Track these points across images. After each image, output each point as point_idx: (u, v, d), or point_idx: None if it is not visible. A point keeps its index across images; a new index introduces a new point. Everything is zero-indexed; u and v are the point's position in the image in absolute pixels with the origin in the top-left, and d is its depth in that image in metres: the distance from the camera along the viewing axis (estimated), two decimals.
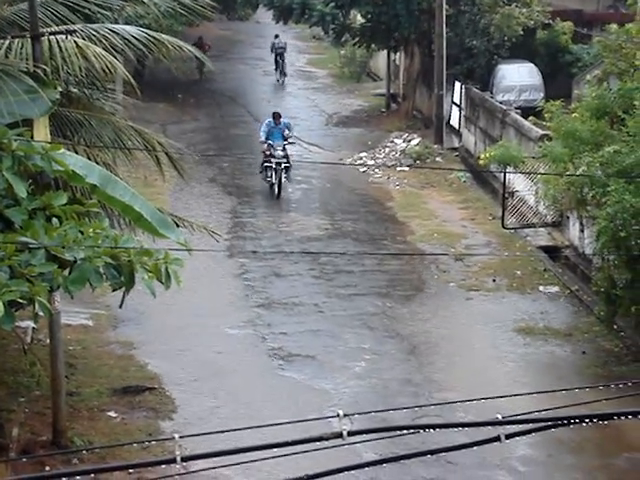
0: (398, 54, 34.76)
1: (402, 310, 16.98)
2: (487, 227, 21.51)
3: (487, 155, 20.23)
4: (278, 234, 21.11)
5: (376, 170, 26.43)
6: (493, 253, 19.73)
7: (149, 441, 11.84)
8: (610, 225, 13.98)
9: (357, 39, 33.26)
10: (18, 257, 7.25)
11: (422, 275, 18.70)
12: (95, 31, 12.15)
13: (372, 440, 4.99)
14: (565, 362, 15.07)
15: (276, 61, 40.63)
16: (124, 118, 14.12)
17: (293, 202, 23.39)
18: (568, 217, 19.47)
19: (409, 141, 28.58)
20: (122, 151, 13.08)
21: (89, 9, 13.17)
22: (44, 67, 10.91)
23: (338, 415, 4.68)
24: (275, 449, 4.58)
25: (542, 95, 27.88)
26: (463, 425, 5.31)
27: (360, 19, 34.11)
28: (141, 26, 14.12)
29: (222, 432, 5.34)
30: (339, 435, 4.59)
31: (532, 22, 29.83)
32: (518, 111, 24.32)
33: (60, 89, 10.84)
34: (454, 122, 29.12)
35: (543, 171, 18.44)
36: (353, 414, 4.76)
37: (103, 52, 11.70)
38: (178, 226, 11.73)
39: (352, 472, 4.99)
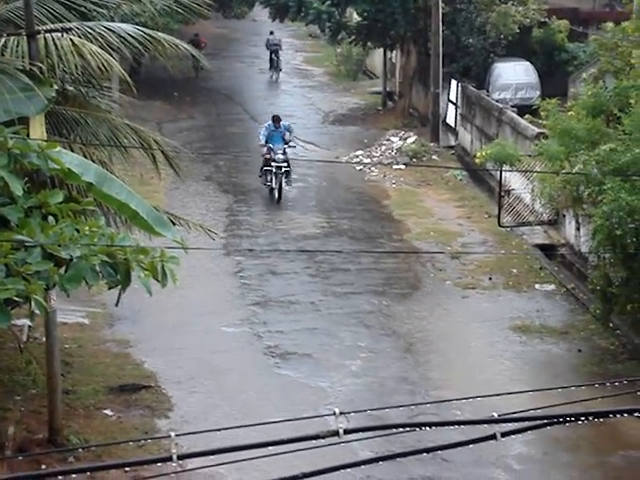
0: (394, 52, 34.77)
1: (398, 308, 16.99)
2: (483, 225, 21.53)
3: (483, 153, 20.24)
4: (274, 232, 21.11)
5: (372, 168, 26.44)
6: (489, 251, 19.75)
7: (145, 439, 11.84)
8: (606, 223, 13.99)
9: (353, 37, 33.26)
10: (14, 255, 7.25)
11: (418, 273, 18.71)
12: (91, 29, 12.13)
13: (368, 438, 5.00)
14: (561, 360, 15.08)
15: (271, 58, 40.69)
16: (120, 116, 14.11)
17: (289, 200, 23.39)
18: (564, 215, 19.49)
19: (405, 139, 28.58)
20: (118, 149, 13.07)
21: (85, 7, 13.16)
22: (40, 65, 10.89)
23: (334, 413, 4.68)
24: (271, 447, 4.58)
25: (538, 93, 27.89)
26: (459, 423, 5.31)
27: (356, 17, 34.13)
28: (137, 24, 14.10)
29: (218, 430, 5.35)
30: (335, 433, 4.59)
31: (528, 20, 29.85)
32: (514, 109, 24.34)
33: (56, 87, 10.84)
34: (450, 120, 29.14)
35: (539, 169, 18.46)
36: (349, 412, 4.76)
37: (99, 50, 11.68)
38: (174, 224, 11.73)
39: (348, 470, 4.99)
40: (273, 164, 22.90)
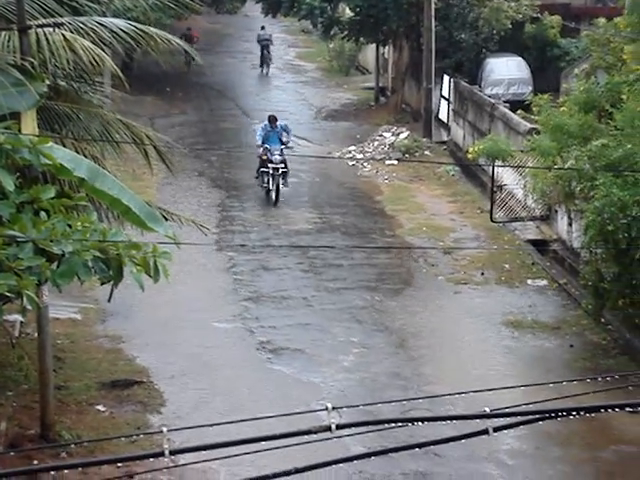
0: (387, 47, 34.77)
1: (391, 304, 17.00)
2: (476, 221, 21.55)
3: (476, 149, 20.28)
4: (267, 228, 21.11)
5: (365, 164, 26.44)
6: (481, 247, 19.78)
7: (137, 435, 11.85)
8: (598, 219, 14.02)
9: (346, 32, 33.26)
10: (6, 251, 7.23)
11: (411, 269, 18.72)
12: (83, 24, 12.10)
13: (360, 433, 5.00)
14: (553, 355, 15.12)
15: (262, 53, 40.73)
16: (112, 111, 14.08)
17: (282, 196, 23.38)
18: (556, 211, 19.52)
19: (398, 135, 28.59)
20: (110, 144, 13.05)
21: (77, 2, 13.13)
22: (32, 60, 10.85)
23: (327, 408, 4.68)
24: (263, 442, 4.58)
25: (530, 89, 27.92)
26: (451, 418, 5.32)
27: (349, 12, 34.12)
28: (129, 19, 14.07)
29: (210, 425, 5.34)
30: (327, 428, 4.59)
31: (520, 16, 29.88)
32: (507, 105, 24.36)
33: (48, 82, 10.81)
34: (443, 116, 29.15)
35: (531, 165, 18.49)
36: (342, 407, 4.76)
37: (91, 45, 11.65)
38: (166, 219, 11.71)
39: (340, 465, 4.99)
40: (270, 165, 22.35)
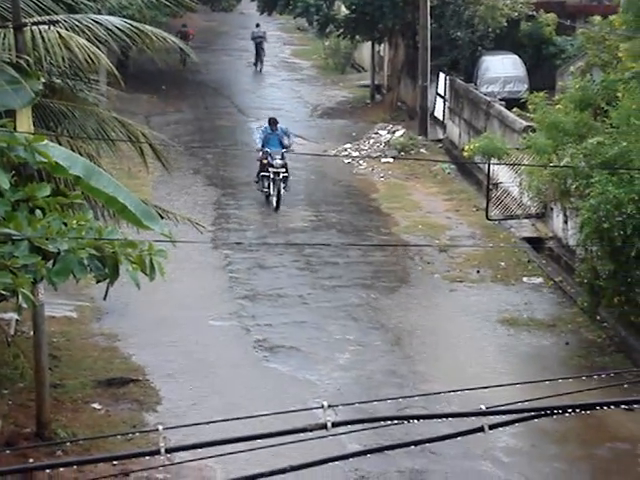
0: (382, 45, 34.77)
1: (386, 301, 17.01)
2: (471, 218, 21.56)
3: (471, 146, 20.28)
4: (263, 226, 21.10)
5: (360, 161, 26.45)
6: (477, 244, 19.78)
7: (133, 433, 11.83)
8: (593, 216, 14.03)
9: (341, 30, 33.25)
10: (1, 249, 7.22)
11: (406, 266, 18.73)
12: (78, 22, 12.08)
13: (356, 431, 5.01)
14: (548, 353, 15.13)
15: (256, 50, 40.86)
16: (108, 109, 14.07)
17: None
18: (552, 208, 19.53)
19: (393, 132, 28.59)
20: (106, 142, 13.03)
21: None
22: (27, 58, 10.84)
23: (322, 406, 4.69)
24: (259, 440, 4.58)
25: (526, 87, 27.95)
26: (447, 416, 5.32)
27: (344, 10, 34.10)
28: (124, 17, 14.06)
29: (206, 423, 5.34)
30: (323, 426, 4.60)
31: (516, 14, 29.90)
32: (502, 102, 24.37)
33: (43, 80, 10.79)
34: (438, 113, 29.16)
35: (527, 162, 18.50)
36: (337, 405, 4.76)
37: (86, 43, 11.64)
38: (162, 218, 11.70)
39: (336, 463, 5.00)
40: (271, 169, 21.71)
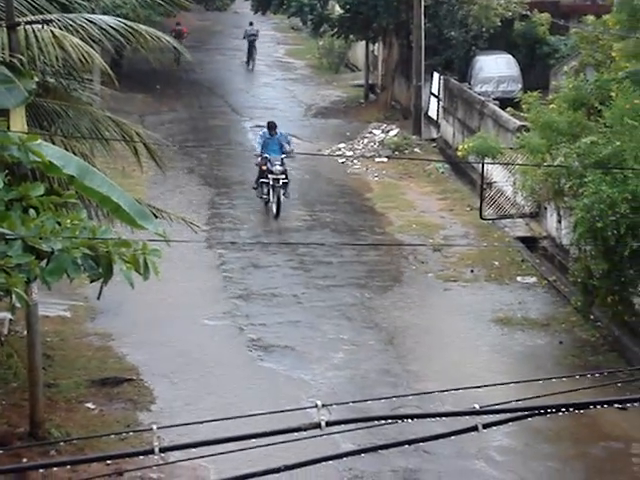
0: (376, 45, 34.78)
1: (380, 301, 17.02)
2: (465, 218, 21.58)
3: (465, 146, 20.30)
4: (257, 225, 21.10)
5: (355, 161, 26.45)
6: (471, 244, 19.80)
7: (127, 432, 11.82)
8: (587, 216, 14.05)
9: (335, 30, 33.26)
10: None
11: (400, 266, 18.74)
12: (72, 21, 12.07)
13: (350, 430, 5.01)
14: (542, 352, 15.15)
15: (249, 49, 41.13)
16: (102, 109, 14.05)
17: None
18: (545, 208, 19.56)
19: (387, 132, 28.60)
20: (100, 142, 13.02)
21: None
22: (20, 57, 10.82)
23: (316, 405, 4.69)
24: (253, 439, 4.58)
25: (520, 86, 27.99)
26: (441, 415, 5.33)
27: (338, 9, 34.13)
28: (118, 16, 14.07)
29: (200, 423, 5.34)
30: (317, 425, 4.60)
31: (510, 13, 29.94)
32: (496, 102, 24.40)
33: (37, 79, 10.76)
34: (432, 113, 29.18)
35: (521, 162, 18.51)
36: (331, 404, 4.76)
37: (80, 42, 11.62)
38: (156, 217, 11.69)
39: (330, 462, 5.00)
40: (270, 176, 21.15)
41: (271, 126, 22.11)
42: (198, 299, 16.86)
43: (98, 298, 8.57)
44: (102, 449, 11.03)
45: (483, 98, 25.00)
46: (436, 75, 28.87)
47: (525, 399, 5.11)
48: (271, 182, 21.19)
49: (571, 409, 5.01)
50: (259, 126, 30.39)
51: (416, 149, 27.51)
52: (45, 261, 7.47)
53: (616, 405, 5.33)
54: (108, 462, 10.21)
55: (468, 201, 22.63)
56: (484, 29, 29.42)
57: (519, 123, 20.94)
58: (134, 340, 15.07)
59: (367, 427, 5.09)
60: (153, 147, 13.88)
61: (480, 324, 16.10)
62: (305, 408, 5.24)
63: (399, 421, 4.97)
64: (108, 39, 12.34)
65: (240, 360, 14.72)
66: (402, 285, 17.85)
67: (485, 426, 4.81)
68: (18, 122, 10.06)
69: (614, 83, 16.58)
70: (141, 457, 4.71)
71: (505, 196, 20.79)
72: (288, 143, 22.14)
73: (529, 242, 19.85)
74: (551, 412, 4.96)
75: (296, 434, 4.63)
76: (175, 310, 16.22)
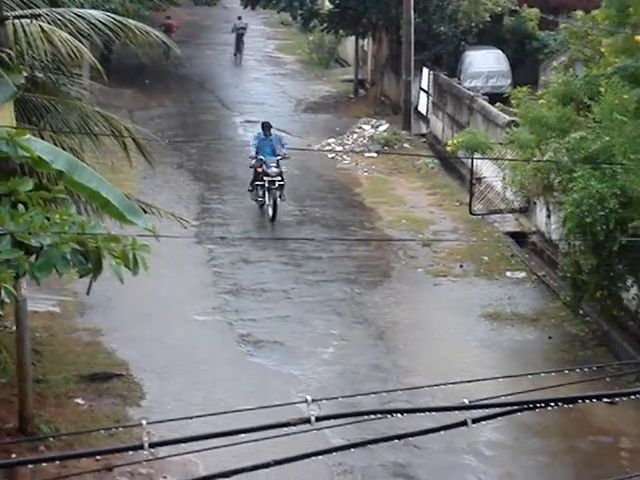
0: (366, 40, 34.77)
1: (370, 296, 17.03)
2: (455, 213, 21.61)
3: (455, 141, 20.32)
4: (246, 220, 21.08)
5: (344, 156, 26.44)
6: (460, 239, 19.83)
7: (117, 427, 11.82)
8: (576, 211, 14.08)
9: (325, 25, 33.24)
10: None
11: (390, 261, 18.76)
12: (61, 15, 12.03)
13: (340, 425, 5.01)
14: (531, 347, 15.19)
15: (237, 42, 41.41)
16: (91, 104, 14.03)
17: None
18: (535, 203, 19.59)
19: (377, 127, 28.61)
20: (89, 137, 12.98)
21: None
22: (9, 52, 10.77)
23: (306, 400, 4.69)
24: (243, 435, 4.58)
25: (509, 81, 28.03)
26: (430, 410, 5.34)
27: (328, 4, 34.08)
28: (107, 10, 14.04)
29: (190, 418, 5.34)
30: (307, 420, 4.60)
31: (499, 8, 29.97)
32: (485, 97, 24.42)
33: (25, 74, 10.73)
34: (422, 108, 29.19)
35: (510, 157, 18.54)
36: (321, 399, 4.76)
37: (69, 37, 11.59)
38: (146, 212, 11.66)
39: (320, 457, 5.00)
40: (266, 178, 20.53)
41: (266, 127, 21.48)
42: (188, 294, 16.85)
43: (87, 293, 8.55)
44: (91, 444, 11.01)
45: (472, 93, 25.03)
46: (425, 70, 28.88)
47: (514, 394, 5.12)
48: (267, 184, 20.58)
49: (560, 404, 5.02)
50: (249, 121, 30.44)
51: (405, 144, 27.53)
52: (34, 256, 7.46)
53: (605, 399, 5.35)
54: (97, 457, 10.22)
55: (457, 196, 22.65)
56: (473, 24, 29.46)
57: (508, 118, 20.96)
58: (123, 335, 15.05)
59: (357, 422, 5.09)
60: (142, 142, 13.85)
61: (469, 319, 16.13)
62: (295, 403, 5.24)
63: (389, 416, 4.98)
64: (97, 34, 12.31)
65: (230, 355, 14.71)
66: (392, 280, 17.87)
67: (474, 421, 4.82)
68: (7, 117, 10.02)
69: (603, 78, 16.60)
70: (131, 452, 4.70)
71: (494, 191, 20.82)
72: (282, 146, 21.36)
73: (518, 237, 19.89)
74: (540, 407, 4.97)
75: (286, 429, 4.63)
76: (165, 305, 16.20)
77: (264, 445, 5.14)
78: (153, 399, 13.17)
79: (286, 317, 16.07)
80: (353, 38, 35.15)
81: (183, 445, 4.64)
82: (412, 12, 28.05)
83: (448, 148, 21.16)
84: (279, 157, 21.00)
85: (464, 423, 4.78)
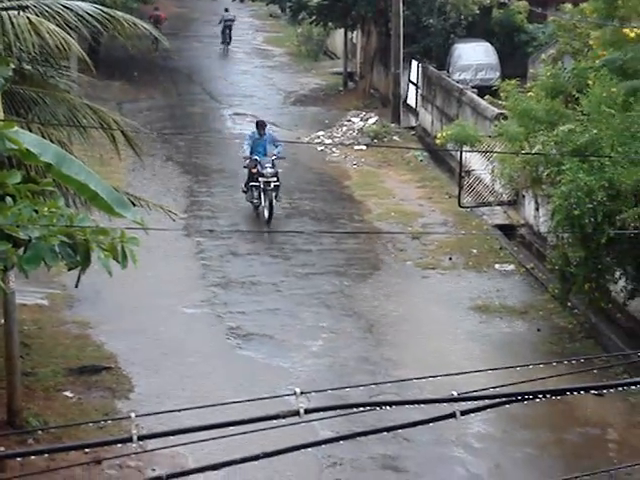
0: (355, 32, 34.74)
1: (359, 289, 17.04)
2: (444, 206, 21.63)
3: (444, 134, 20.33)
4: (235, 213, 21.05)
5: (333, 149, 26.43)
6: (449, 232, 19.86)
7: (105, 420, 11.81)
8: (564, 203, 14.11)
9: (314, 17, 33.19)
10: None
11: (379, 254, 18.77)
12: (48, 7, 11.98)
13: (329, 418, 5.02)
14: (520, 339, 15.23)
15: (223, 32, 41.73)
16: (79, 96, 13.97)
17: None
18: (524, 196, 19.63)
19: (366, 120, 28.60)
20: (77, 129, 12.93)
21: None
22: None
23: (295, 393, 4.69)
24: (232, 427, 4.58)
25: (498, 74, 28.04)
26: (419, 402, 5.34)
27: None
28: (95, 2, 13.94)
29: (178, 411, 5.34)
30: (296, 413, 4.60)
31: (488, 1, 29.97)
32: (474, 90, 24.43)
33: (13, 66, 10.67)
34: (411, 101, 29.19)
35: (499, 150, 18.57)
36: (310, 392, 4.77)
37: (57, 29, 11.53)
38: (134, 205, 11.65)
39: (309, 449, 5.02)
40: (261, 179, 19.94)
41: (260, 125, 20.88)
42: (176, 287, 16.83)
43: (76, 286, 8.51)
44: (80, 437, 11.00)
45: (461, 86, 25.04)
46: (414, 63, 28.88)
47: (503, 386, 5.13)
48: (262, 186, 19.98)
49: (548, 395, 5.03)
50: (238, 114, 30.41)
51: (395, 137, 27.53)
52: (22, 249, 7.43)
53: (592, 391, 5.37)
54: (86, 450, 10.20)
55: (447, 189, 22.68)
56: (462, 17, 29.45)
57: (497, 111, 20.98)
58: (112, 328, 15.03)
59: (346, 414, 5.10)
60: (131, 135, 13.80)
61: (458, 311, 16.16)
62: (284, 395, 5.25)
63: (377, 408, 4.99)
64: (85, 26, 12.25)
65: (219, 348, 14.71)
66: (381, 273, 17.89)
67: (463, 413, 4.83)
68: None
69: (591, 71, 16.64)
70: (119, 445, 4.70)
71: (483, 184, 20.85)
72: (275, 146, 20.72)
73: (507, 230, 19.93)
74: (528, 399, 4.99)
75: (275, 421, 4.63)
76: (153, 298, 16.18)
77: (253, 437, 5.14)
78: (142, 392, 13.17)
79: (275, 310, 16.07)
80: (342, 31, 35.12)
81: (172, 438, 4.64)
82: (401, 4, 28.04)
83: (437, 141, 21.16)
84: (274, 157, 20.37)
85: (453, 415, 4.79)
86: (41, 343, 14.39)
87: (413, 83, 29.00)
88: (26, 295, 15.21)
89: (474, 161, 21.12)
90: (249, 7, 48.56)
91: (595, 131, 14.55)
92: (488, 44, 29.68)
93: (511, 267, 18.12)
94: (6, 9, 11.47)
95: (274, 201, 19.91)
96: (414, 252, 18.76)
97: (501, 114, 20.08)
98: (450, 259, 18.41)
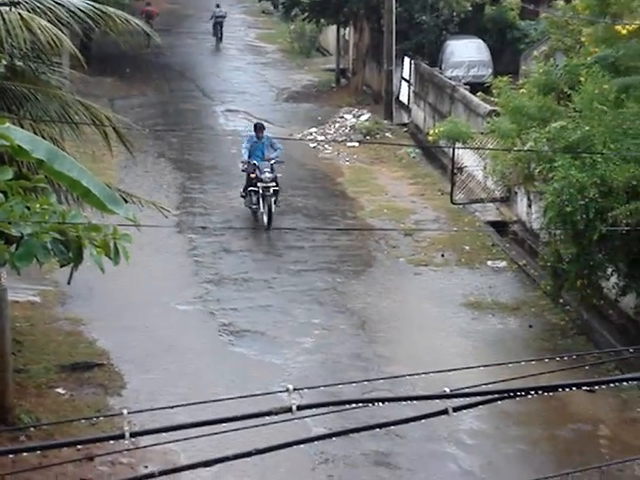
0: (348, 29, 34.72)
1: (352, 285, 17.05)
2: (436, 202, 21.64)
3: (436, 131, 20.35)
4: (228, 210, 21.04)
5: (326, 146, 26.44)
6: (442, 228, 19.87)
7: (98, 417, 11.79)
8: (557, 200, 14.12)
9: (306, 14, 33.17)
10: None
11: (372, 250, 18.78)
12: (40, 3, 11.95)
13: (321, 414, 5.02)
14: (512, 335, 15.26)
15: (214, 28, 41.95)
16: (71, 92, 13.92)
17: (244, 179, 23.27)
18: (516, 192, 19.65)
19: (359, 117, 28.60)
20: (69, 126, 12.91)
21: None
22: None
23: (287, 390, 4.69)
24: (224, 424, 4.58)
25: (490, 71, 28.08)
26: (412, 399, 5.35)
27: None
28: None
29: (171, 408, 5.33)
30: (288, 409, 4.60)
31: None
32: (467, 87, 24.45)
33: (5, 62, 10.67)
34: (403, 98, 29.20)
35: (491, 147, 18.59)
36: (303, 388, 4.77)
37: (48, 25, 11.51)
38: (126, 201, 11.64)
39: (302, 446, 5.01)
40: (260, 184, 19.41)
41: (258, 128, 20.37)
42: (169, 284, 16.82)
43: (68, 283, 8.52)
44: (72, 434, 10.99)
45: (454, 83, 25.05)
46: (407, 59, 28.89)
47: (495, 382, 5.14)
48: (261, 191, 19.44)
49: (540, 392, 5.04)
50: (230, 110, 30.38)
51: (387, 134, 27.54)
52: (14, 246, 7.42)
53: (584, 388, 5.38)
54: (79, 447, 10.19)
55: (439, 186, 22.69)
56: (455, 13, 29.46)
57: (489, 108, 21.00)
58: (104, 325, 15.01)
59: (338, 411, 5.10)
60: (123, 131, 13.78)
61: (451, 308, 16.18)
62: (276, 392, 5.25)
63: (370, 405, 4.99)
64: (77, 22, 12.23)
65: (211, 345, 14.70)
66: (373, 270, 17.90)
67: (455, 409, 4.83)
68: None
69: (583, 68, 16.66)
70: (112, 442, 4.69)
71: (476, 181, 20.87)
72: (274, 149, 20.22)
73: (499, 226, 19.95)
74: (521, 395, 5.00)
75: (267, 418, 4.63)
76: (146, 295, 16.17)
77: (245, 434, 5.14)
78: (134, 389, 13.15)
79: (268, 306, 16.07)
80: (334, 27, 35.10)
81: (164, 434, 4.63)
82: (394, 1, 28.04)
83: (430, 137, 21.19)
84: (273, 161, 19.97)
85: (445, 412, 4.79)
86: (33, 340, 14.37)
87: (405, 80, 29.01)
88: (18, 292, 15.18)
89: (466, 158, 21.13)
90: (241, 3, 48.55)
91: (587, 128, 14.57)
92: (480, 41, 29.70)
93: (503, 264, 18.14)
94: None
95: (273, 206, 19.43)
96: (406, 249, 18.78)
97: (493, 111, 20.09)
98: (442, 256, 18.43)
